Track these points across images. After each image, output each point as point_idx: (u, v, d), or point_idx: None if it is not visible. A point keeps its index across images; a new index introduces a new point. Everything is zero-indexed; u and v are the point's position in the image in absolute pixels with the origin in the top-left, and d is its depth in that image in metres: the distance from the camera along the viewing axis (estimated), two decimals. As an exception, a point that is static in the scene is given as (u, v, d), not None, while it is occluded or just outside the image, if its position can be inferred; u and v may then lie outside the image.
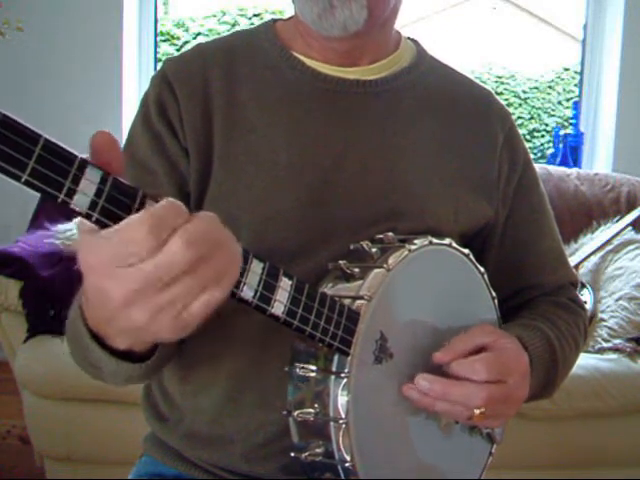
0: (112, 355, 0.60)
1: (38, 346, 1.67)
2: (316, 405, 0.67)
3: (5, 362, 1.81)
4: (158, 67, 0.85)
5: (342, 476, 0.67)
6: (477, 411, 0.69)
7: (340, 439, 0.66)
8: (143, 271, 0.45)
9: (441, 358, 0.71)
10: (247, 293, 0.58)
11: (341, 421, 0.65)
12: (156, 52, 2.79)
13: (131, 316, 0.48)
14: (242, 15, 4.88)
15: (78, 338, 0.62)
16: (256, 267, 0.58)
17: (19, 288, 1.68)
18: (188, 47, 0.89)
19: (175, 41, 4.83)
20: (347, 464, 0.66)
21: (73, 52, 2.54)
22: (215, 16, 4.92)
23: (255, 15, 4.86)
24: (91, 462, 1.70)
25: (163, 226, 0.45)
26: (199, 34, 4.84)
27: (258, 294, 0.59)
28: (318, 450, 0.67)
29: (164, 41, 4.76)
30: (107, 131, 0.47)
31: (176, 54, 0.88)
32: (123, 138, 0.87)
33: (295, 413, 0.67)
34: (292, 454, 0.69)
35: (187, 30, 4.86)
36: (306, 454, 0.67)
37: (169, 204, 0.46)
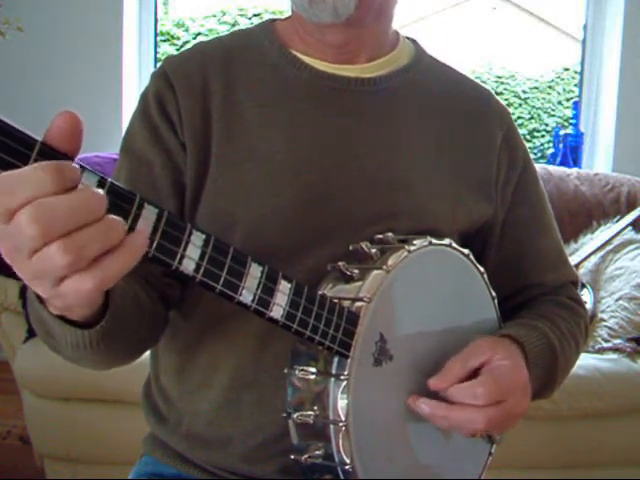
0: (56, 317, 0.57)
1: (38, 346, 1.66)
2: (315, 407, 0.66)
3: (5, 362, 1.81)
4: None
5: (342, 478, 0.67)
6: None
7: (340, 441, 0.65)
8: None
9: (437, 385, 0.70)
10: (246, 297, 0.58)
11: (341, 423, 0.65)
12: (156, 52, 2.79)
13: (18, 271, 0.47)
14: (242, 15, 4.88)
15: (32, 302, 0.59)
16: (255, 271, 0.58)
17: (19, 288, 1.68)
18: (188, 47, 0.89)
19: (175, 41, 4.83)
20: (347, 466, 0.66)
21: (73, 52, 2.54)
22: (215, 16, 4.92)
23: (255, 15, 4.87)
24: (91, 462, 1.70)
25: (10, 195, 0.43)
26: (199, 34, 4.84)
27: (257, 298, 0.59)
28: (318, 452, 0.67)
29: (164, 41, 4.76)
30: (74, 115, 0.45)
31: (176, 54, 0.88)
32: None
33: (294, 415, 0.67)
34: (292, 456, 0.69)
35: (187, 30, 4.87)
36: (306, 456, 0.67)
37: (26, 172, 0.43)
